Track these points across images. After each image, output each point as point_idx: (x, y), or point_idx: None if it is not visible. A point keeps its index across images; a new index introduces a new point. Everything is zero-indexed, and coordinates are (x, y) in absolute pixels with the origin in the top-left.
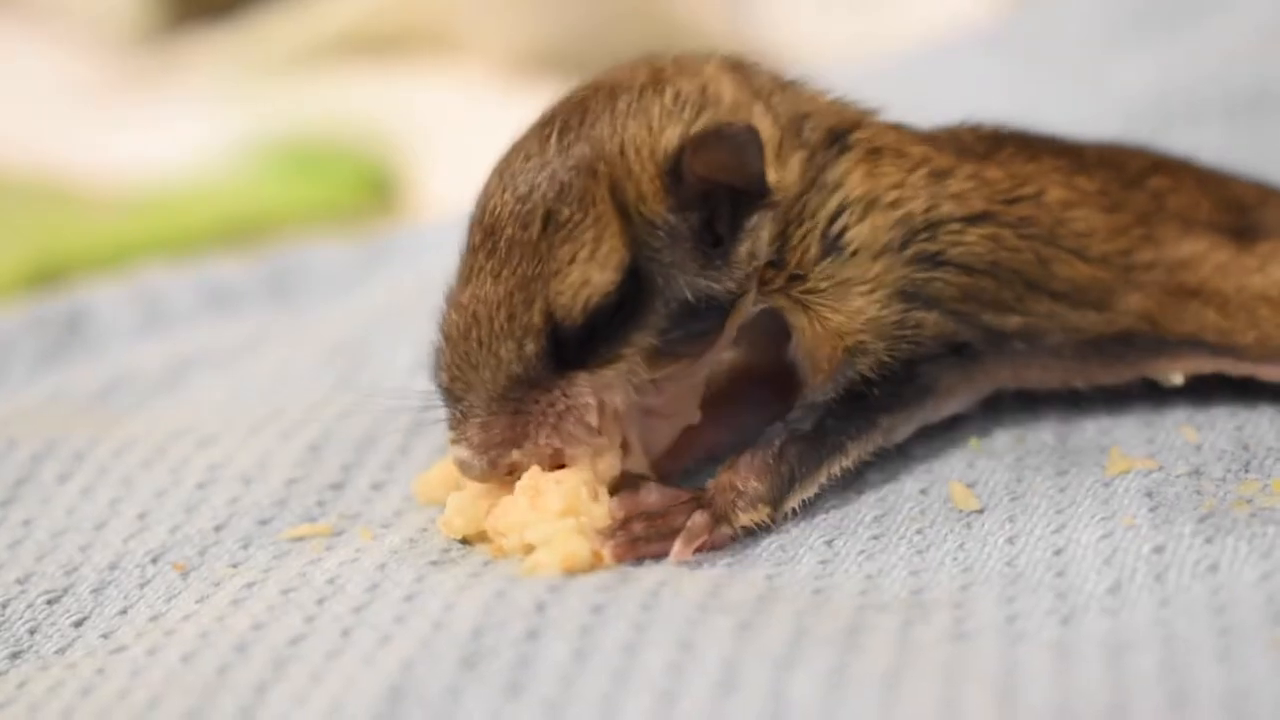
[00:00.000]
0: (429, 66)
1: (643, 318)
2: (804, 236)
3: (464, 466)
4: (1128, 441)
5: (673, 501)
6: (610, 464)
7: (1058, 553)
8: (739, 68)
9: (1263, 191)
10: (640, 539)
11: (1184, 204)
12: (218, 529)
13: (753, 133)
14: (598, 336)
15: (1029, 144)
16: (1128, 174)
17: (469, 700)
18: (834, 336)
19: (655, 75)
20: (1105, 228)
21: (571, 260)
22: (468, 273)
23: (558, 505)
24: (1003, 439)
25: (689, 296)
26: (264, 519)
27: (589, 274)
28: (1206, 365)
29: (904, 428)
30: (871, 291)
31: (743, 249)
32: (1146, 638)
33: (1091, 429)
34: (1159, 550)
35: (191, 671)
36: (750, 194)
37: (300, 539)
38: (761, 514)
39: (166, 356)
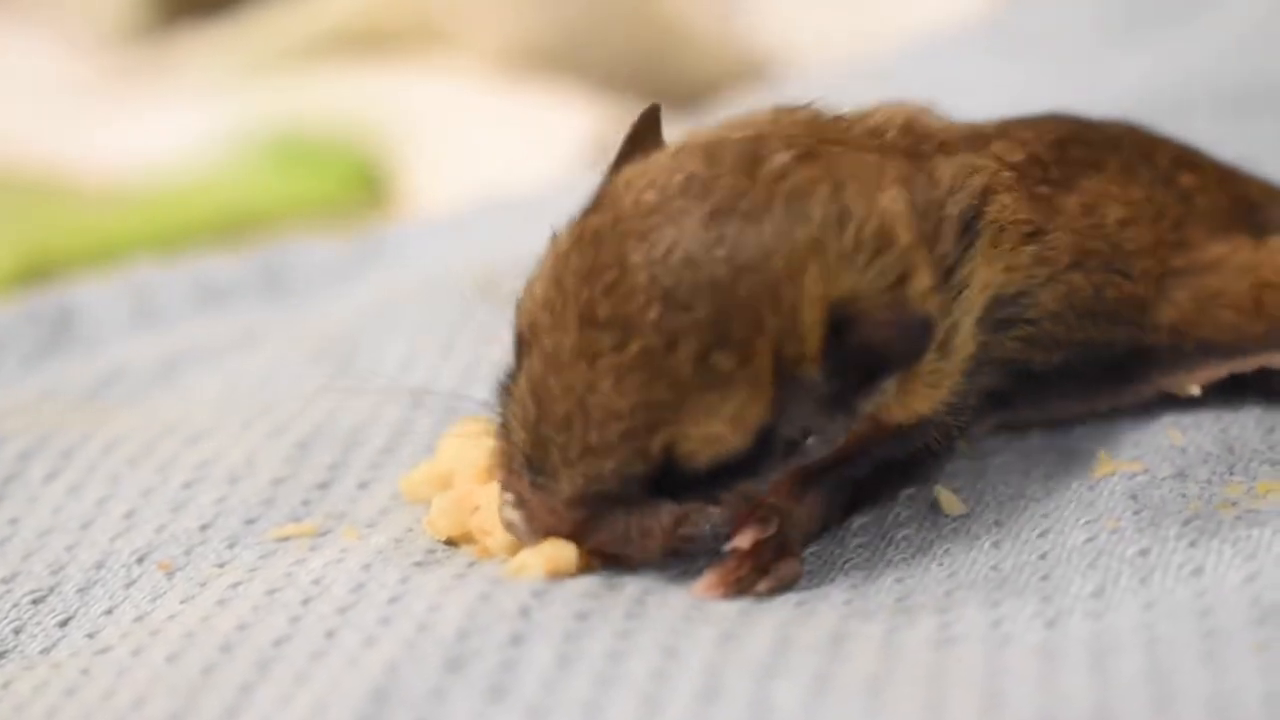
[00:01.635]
0: (421, 62)
1: (756, 470)
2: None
3: (513, 530)
4: (1114, 444)
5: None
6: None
7: (1043, 556)
8: (913, 184)
9: (1267, 189)
10: (745, 579)
11: (1210, 204)
12: (204, 528)
13: (929, 325)
14: (707, 482)
15: (1089, 142)
16: (1161, 170)
17: (453, 703)
18: (912, 414)
19: (836, 193)
20: (1150, 241)
21: (712, 412)
22: (584, 347)
23: None
24: (989, 442)
25: (799, 439)
26: (250, 518)
27: (726, 433)
28: (1219, 370)
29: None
30: (953, 375)
31: (868, 405)
32: (1131, 641)
33: (1077, 431)
34: (1144, 553)
35: (176, 672)
36: (899, 367)
37: (286, 539)
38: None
39: (157, 352)
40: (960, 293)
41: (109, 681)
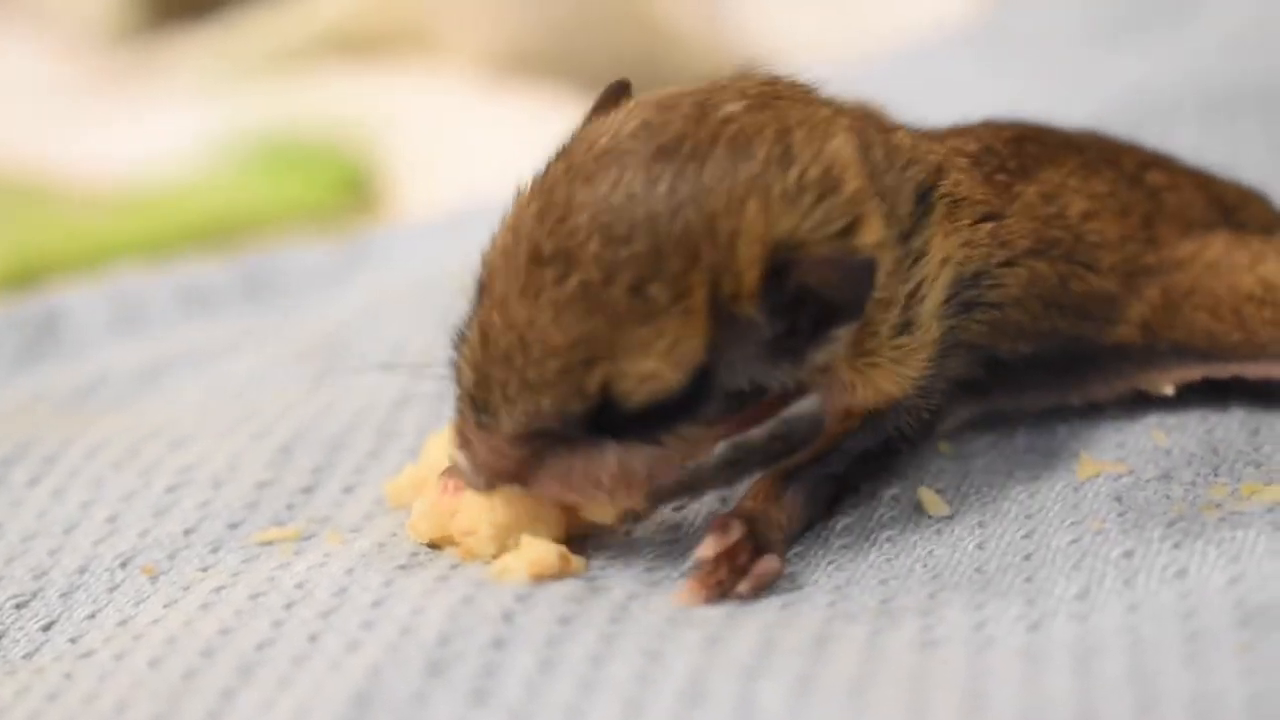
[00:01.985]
0: (408, 66)
1: (695, 412)
2: (882, 323)
3: (462, 474)
4: (1098, 445)
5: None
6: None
7: (1027, 558)
8: (865, 138)
9: (1242, 192)
10: (724, 582)
11: (1181, 202)
12: (187, 532)
13: (871, 266)
14: (645, 422)
15: (1045, 142)
16: (1127, 170)
17: (435, 707)
18: (881, 396)
19: (782, 136)
20: (1116, 236)
21: (647, 347)
22: (527, 281)
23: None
24: (973, 443)
25: (744, 387)
26: (234, 522)
27: (660, 370)
28: (1194, 372)
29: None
30: (921, 354)
31: (819, 356)
32: (1115, 643)
33: (1062, 433)
34: (1128, 555)
35: (158, 676)
36: (847, 312)
37: (270, 543)
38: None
39: (143, 357)
40: (918, 260)
41: (92, 686)
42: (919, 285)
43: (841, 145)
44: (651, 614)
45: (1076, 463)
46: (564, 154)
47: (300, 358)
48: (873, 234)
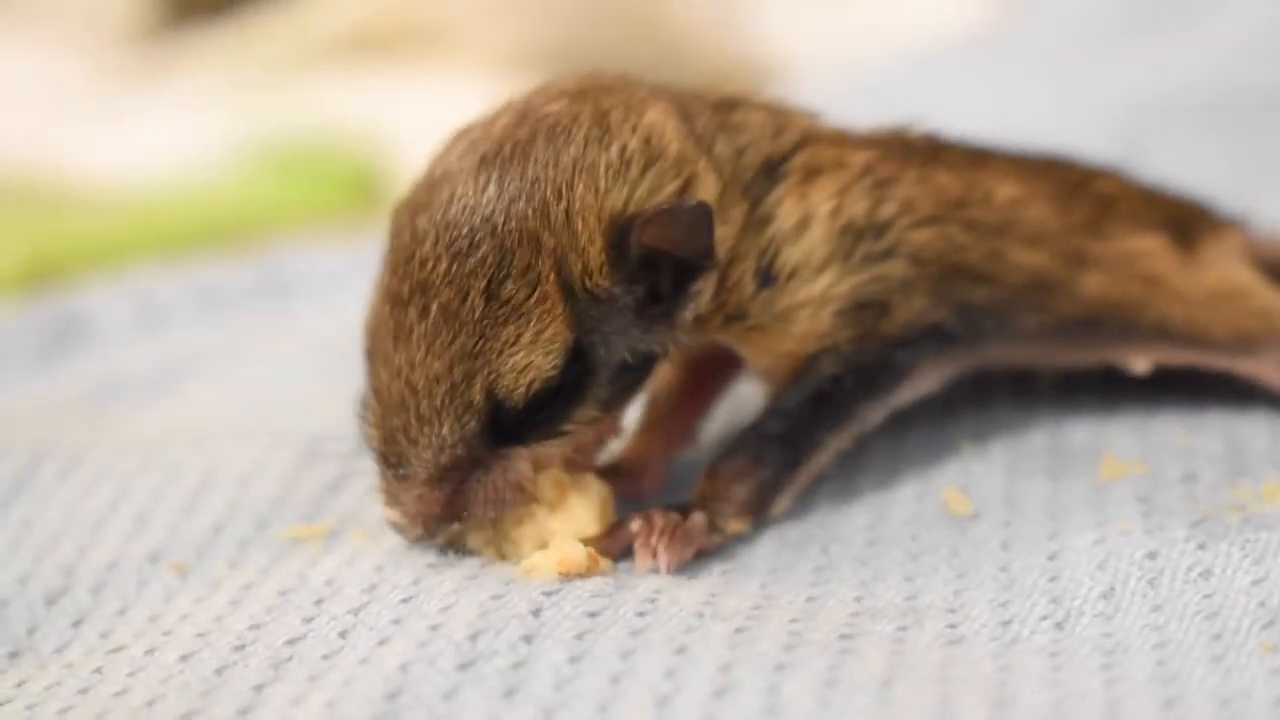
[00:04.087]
0: (421, 68)
1: (585, 393)
2: (740, 277)
3: (399, 530)
4: (1120, 446)
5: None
6: None
7: (1051, 558)
8: (682, 108)
9: (1196, 210)
10: (639, 535)
11: (1132, 208)
12: (215, 530)
13: (705, 209)
14: (539, 416)
15: (975, 149)
16: (1074, 178)
17: (466, 701)
18: (789, 357)
19: (599, 119)
20: (1056, 224)
21: (515, 343)
22: (397, 329)
23: (586, 511)
24: (996, 444)
25: (628, 359)
26: (261, 520)
27: (531, 358)
28: (1175, 356)
29: (881, 412)
30: (819, 310)
31: (688, 312)
32: (1140, 643)
33: (1084, 434)
34: (1152, 556)
35: (190, 671)
36: (697, 263)
37: (297, 540)
38: (746, 523)
39: (161, 358)
40: (771, 223)
41: (122, 681)
42: (772, 241)
43: (658, 116)
44: (679, 608)
45: (1099, 463)
46: (407, 199)
47: (316, 358)
48: (707, 190)
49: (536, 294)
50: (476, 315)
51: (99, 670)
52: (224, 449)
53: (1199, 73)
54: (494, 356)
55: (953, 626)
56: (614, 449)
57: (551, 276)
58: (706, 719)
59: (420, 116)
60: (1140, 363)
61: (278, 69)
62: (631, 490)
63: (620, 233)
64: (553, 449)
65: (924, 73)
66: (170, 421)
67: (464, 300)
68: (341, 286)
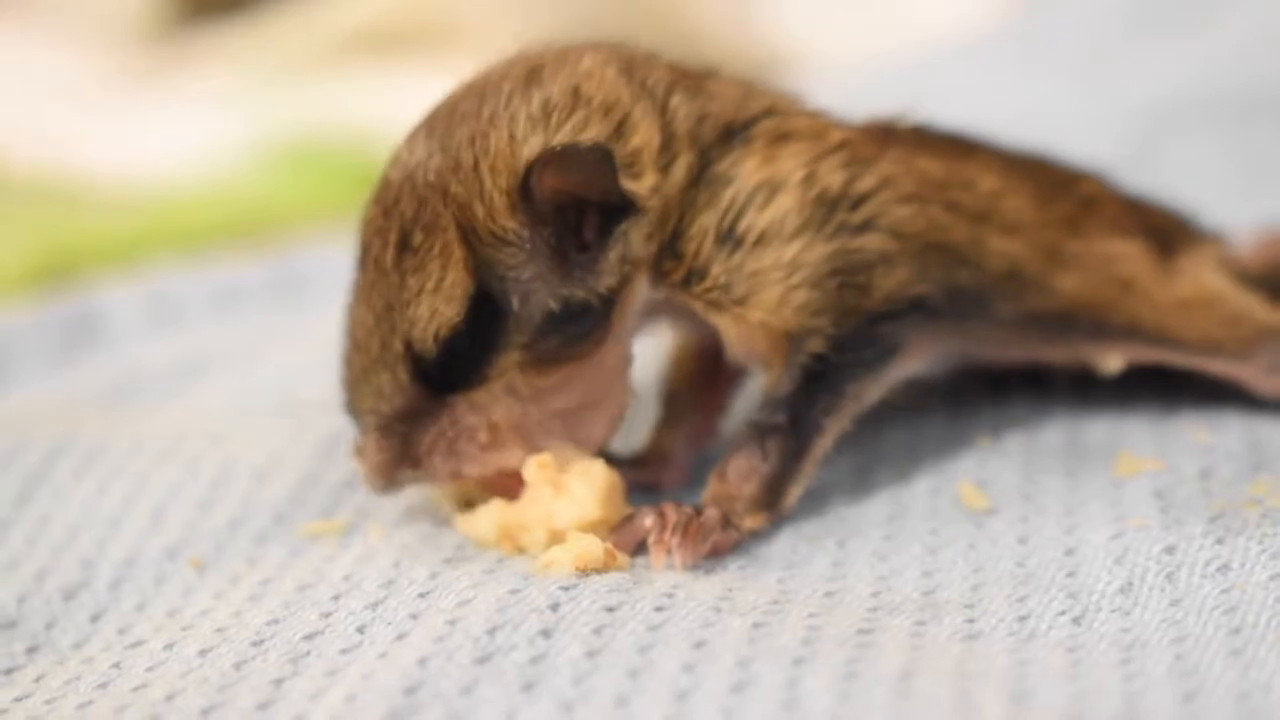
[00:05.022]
0: (433, 65)
1: (500, 339)
2: (695, 232)
3: (365, 481)
4: (1137, 443)
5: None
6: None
7: (1069, 553)
8: (628, 61)
9: (1176, 222)
10: (653, 531)
11: (1113, 212)
12: (233, 525)
13: (600, 150)
14: (459, 363)
15: (963, 140)
16: (1058, 178)
17: (484, 696)
18: (763, 329)
19: (530, 74)
20: (1035, 219)
21: (420, 291)
22: (353, 289)
23: (587, 494)
24: (1013, 439)
25: (554, 306)
26: (279, 516)
27: (435, 306)
28: (1148, 354)
29: (875, 390)
30: (790, 276)
31: (610, 256)
32: (1158, 637)
33: (1101, 430)
34: (1170, 550)
35: (208, 666)
36: (612, 205)
37: (315, 536)
38: (762, 518)
39: (177, 355)
40: (730, 184)
41: (141, 675)
42: (733, 202)
43: (591, 64)
44: (696, 603)
45: (1116, 459)
46: None
47: (330, 356)
48: (640, 136)
49: (439, 243)
50: (392, 267)
51: (118, 665)
52: (241, 445)
53: (1213, 70)
54: (406, 307)
55: (970, 621)
56: (637, 440)
57: (452, 223)
58: (725, 713)
59: None
60: (1112, 361)
61: (292, 67)
62: (651, 480)
63: (525, 176)
64: (489, 396)
65: (938, 68)
66: (187, 418)
67: (385, 251)
68: None
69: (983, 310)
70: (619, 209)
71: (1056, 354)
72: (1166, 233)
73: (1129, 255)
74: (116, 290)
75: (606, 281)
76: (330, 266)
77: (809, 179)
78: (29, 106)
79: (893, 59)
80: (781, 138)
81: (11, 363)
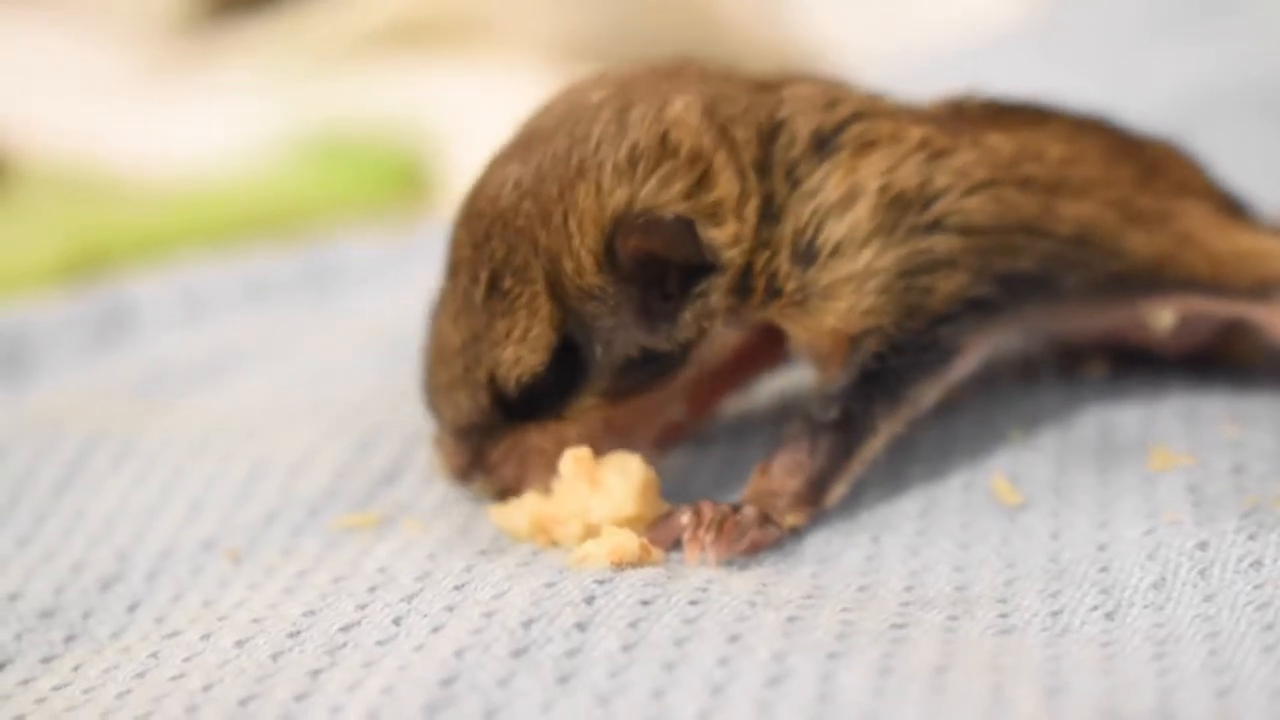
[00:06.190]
0: (464, 58)
1: (580, 384)
2: (767, 264)
3: (440, 470)
4: (1169, 438)
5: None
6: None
7: (1101, 548)
8: (712, 101)
9: (1237, 198)
10: (688, 528)
11: (1180, 175)
12: (268, 518)
13: (681, 222)
14: (536, 403)
15: (1034, 110)
16: (1126, 141)
17: (521, 688)
18: (832, 334)
19: (620, 115)
20: (1104, 178)
21: (507, 336)
22: (442, 294)
23: (623, 490)
24: (1045, 434)
25: (636, 355)
26: (314, 508)
27: (520, 354)
28: (1200, 305)
29: (932, 394)
30: (862, 284)
31: (689, 312)
32: (1191, 633)
33: (1132, 425)
34: (1203, 546)
35: (245, 657)
36: (695, 266)
37: (350, 528)
38: (803, 515)
39: (208, 348)
40: (815, 196)
41: (179, 665)
42: (814, 214)
43: (680, 111)
44: (731, 597)
45: (1148, 455)
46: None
47: (362, 350)
48: (721, 187)
49: (528, 293)
50: (481, 305)
51: (155, 655)
52: (275, 438)
53: (1239, 63)
54: (492, 346)
55: (1003, 616)
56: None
57: (541, 275)
58: (761, 706)
59: (464, 106)
60: (1166, 315)
61: (322, 60)
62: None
63: (613, 231)
64: (562, 429)
65: (968, 62)
66: (219, 411)
67: (475, 286)
68: (386, 277)
69: (1045, 289)
70: (698, 271)
71: (1112, 317)
72: (1229, 200)
73: (1192, 212)
74: (147, 283)
75: (686, 334)
76: (361, 259)
77: (886, 188)
78: (60, 100)
79: (922, 53)
80: (866, 146)
81: (43, 355)
